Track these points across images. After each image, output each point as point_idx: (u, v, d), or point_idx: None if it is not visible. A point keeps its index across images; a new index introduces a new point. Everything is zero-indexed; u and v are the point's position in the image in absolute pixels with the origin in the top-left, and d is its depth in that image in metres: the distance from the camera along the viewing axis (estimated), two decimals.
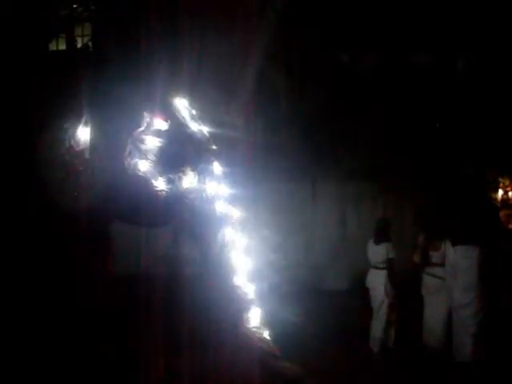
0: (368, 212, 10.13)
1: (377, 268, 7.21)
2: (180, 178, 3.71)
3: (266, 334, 4.12)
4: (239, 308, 4.01)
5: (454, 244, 6.84)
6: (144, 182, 3.72)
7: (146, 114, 3.74)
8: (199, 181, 3.80)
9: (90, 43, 8.76)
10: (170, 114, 3.80)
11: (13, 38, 5.96)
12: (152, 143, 3.70)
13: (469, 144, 9.84)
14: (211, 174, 3.89)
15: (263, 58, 8.58)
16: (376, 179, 10.26)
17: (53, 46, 8.93)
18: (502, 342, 6.57)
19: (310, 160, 10.11)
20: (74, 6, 8.75)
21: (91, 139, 3.81)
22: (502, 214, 9.49)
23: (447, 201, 7.42)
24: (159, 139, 3.71)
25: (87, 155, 3.82)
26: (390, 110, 10.24)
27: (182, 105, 3.87)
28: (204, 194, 3.81)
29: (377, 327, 7.19)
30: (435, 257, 7.09)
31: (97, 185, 3.81)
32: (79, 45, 9.04)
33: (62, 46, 8.94)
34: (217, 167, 3.96)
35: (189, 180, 3.74)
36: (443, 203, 7.47)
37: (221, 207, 3.99)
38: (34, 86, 4.64)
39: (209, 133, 4.03)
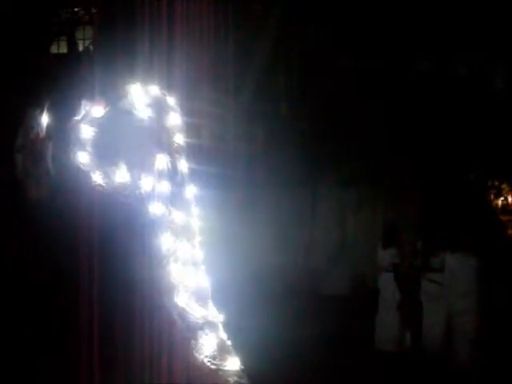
0: (368, 217, 10.09)
1: (386, 271, 7.39)
2: (114, 172, 3.22)
3: (230, 363, 3.43)
4: (184, 336, 3.35)
5: (453, 250, 6.79)
6: (83, 175, 3.29)
7: (84, 102, 3.33)
8: (132, 176, 3.23)
9: (91, 46, 8.75)
10: (111, 100, 3.33)
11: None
12: (88, 133, 3.26)
13: (470, 150, 9.79)
14: (149, 168, 3.26)
15: (264, 61, 8.58)
16: (376, 184, 10.22)
17: (54, 49, 8.96)
18: (501, 348, 6.51)
19: (311, 164, 10.07)
20: (76, 9, 8.78)
21: (47, 127, 3.53)
22: (502, 220, 9.43)
23: (447, 206, 7.37)
24: (93, 128, 3.27)
25: (46, 142, 3.53)
26: (391, 115, 10.19)
27: (138, 91, 3.35)
28: (137, 192, 3.24)
29: (385, 328, 7.26)
30: (434, 262, 7.05)
31: (51, 174, 3.53)
32: (81, 48, 9.05)
33: (64, 49, 8.96)
34: (161, 161, 3.30)
35: (121, 174, 3.22)
36: (443, 209, 7.43)
37: (157, 209, 3.31)
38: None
39: (186, 124, 3.55)
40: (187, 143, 3.51)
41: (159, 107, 3.36)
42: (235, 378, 3.38)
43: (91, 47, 8.13)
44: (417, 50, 10.28)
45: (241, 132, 8.46)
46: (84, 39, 8.86)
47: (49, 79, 4.14)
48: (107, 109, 3.28)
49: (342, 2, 9.71)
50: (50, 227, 3.52)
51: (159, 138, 3.28)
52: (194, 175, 3.52)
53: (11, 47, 5.57)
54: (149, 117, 3.29)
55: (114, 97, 3.31)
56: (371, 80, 10.04)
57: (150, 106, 3.32)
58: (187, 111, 3.77)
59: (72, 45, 8.23)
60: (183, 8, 4.66)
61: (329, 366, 6.53)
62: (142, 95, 3.32)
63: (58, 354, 3.60)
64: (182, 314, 3.32)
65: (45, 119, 3.54)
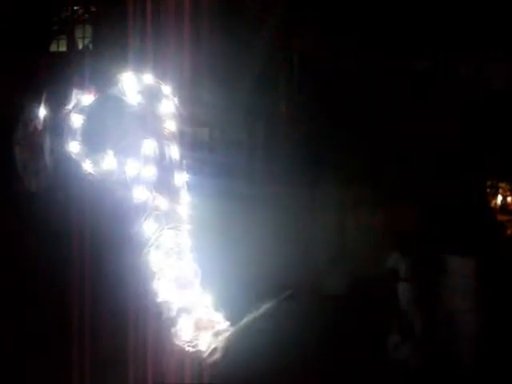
0: (367, 218, 9.99)
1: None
2: (103, 159, 3.16)
3: (204, 341, 3.39)
4: (162, 324, 3.33)
5: (452, 251, 6.72)
6: (75, 165, 3.25)
7: (76, 91, 3.28)
8: (118, 161, 3.17)
9: (90, 45, 8.68)
10: (101, 87, 3.28)
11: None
12: (78, 121, 3.22)
13: (468, 149, 9.71)
14: (135, 153, 3.17)
15: (263, 58, 8.49)
16: (375, 185, 10.13)
17: (53, 48, 8.85)
18: (501, 348, 6.45)
19: (310, 163, 9.97)
20: (75, 7, 8.65)
21: (44, 119, 3.51)
22: (501, 220, 9.36)
23: (446, 207, 7.31)
24: (82, 116, 3.22)
25: (43, 135, 3.53)
26: (390, 115, 10.12)
27: (130, 79, 3.27)
28: (123, 177, 3.16)
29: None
30: (434, 263, 6.97)
31: (48, 167, 3.56)
32: (80, 46, 8.95)
33: (63, 48, 8.85)
34: (148, 146, 3.19)
35: (109, 161, 3.16)
36: (442, 210, 7.37)
37: (141, 194, 3.21)
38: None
39: (180, 113, 3.40)
40: (184, 132, 3.39)
41: (151, 94, 3.28)
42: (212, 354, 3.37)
43: (90, 45, 8.05)
44: (416, 50, 10.21)
45: (239, 127, 8.44)
46: (84, 37, 8.75)
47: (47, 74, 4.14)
48: (96, 96, 3.25)
49: (342, 3, 9.64)
50: (46, 221, 3.52)
51: (148, 123, 3.20)
52: (188, 163, 3.42)
53: (12, 45, 5.55)
54: (138, 103, 3.21)
55: (104, 84, 3.26)
56: (371, 80, 9.97)
57: (141, 93, 3.24)
58: (188, 102, 3.68)
59: (72, 43, 8.13)
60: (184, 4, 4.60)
61: (328, 365, 6.46)
62: (134, 83, 3.24)
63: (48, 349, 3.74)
64: (160, 303, 3.26)
65: (42, 112, 3.50)
